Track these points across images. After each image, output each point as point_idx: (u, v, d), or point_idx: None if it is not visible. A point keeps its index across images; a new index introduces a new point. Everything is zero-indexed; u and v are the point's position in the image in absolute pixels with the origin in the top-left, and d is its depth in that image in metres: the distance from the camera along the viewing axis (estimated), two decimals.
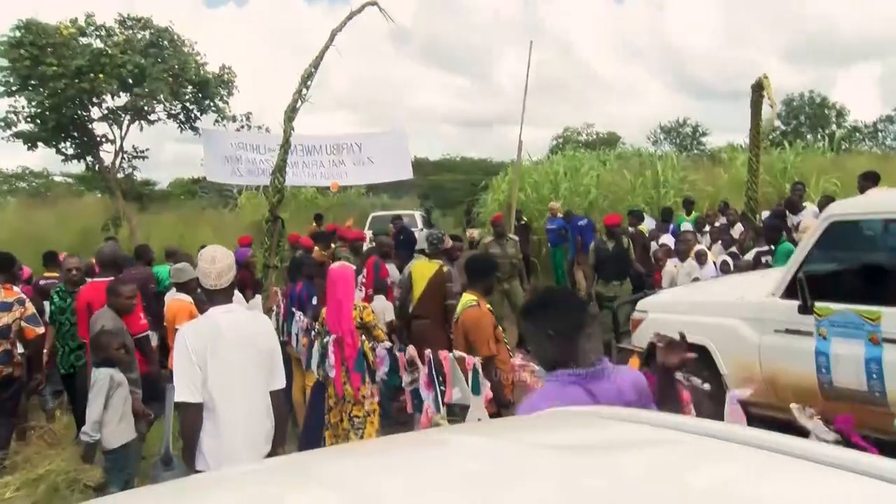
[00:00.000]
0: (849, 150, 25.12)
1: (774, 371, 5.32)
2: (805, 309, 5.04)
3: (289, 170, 8.18)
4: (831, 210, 5.38)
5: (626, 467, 1.17)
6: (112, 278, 5.54)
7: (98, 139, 15.83)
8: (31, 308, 5.78)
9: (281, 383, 3.57)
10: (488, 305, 4.61)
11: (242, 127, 16.90)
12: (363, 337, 5.06)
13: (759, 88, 7.43)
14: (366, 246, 9.98)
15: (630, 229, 10.55)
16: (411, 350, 4.43)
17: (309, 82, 7.07)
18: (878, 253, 5.33)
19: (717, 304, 5.94)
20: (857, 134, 36.06)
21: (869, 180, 7.87)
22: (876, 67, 74.24)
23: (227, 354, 3.34)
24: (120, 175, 16.38)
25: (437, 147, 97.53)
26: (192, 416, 3.31)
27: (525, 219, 15.42)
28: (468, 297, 4.61)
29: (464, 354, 3.91)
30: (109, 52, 14.49)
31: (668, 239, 10.08)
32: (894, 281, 4.76)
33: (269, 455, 3.44)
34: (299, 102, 7.08)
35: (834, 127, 36.90)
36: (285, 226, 10.88)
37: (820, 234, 5.17)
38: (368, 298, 7.13)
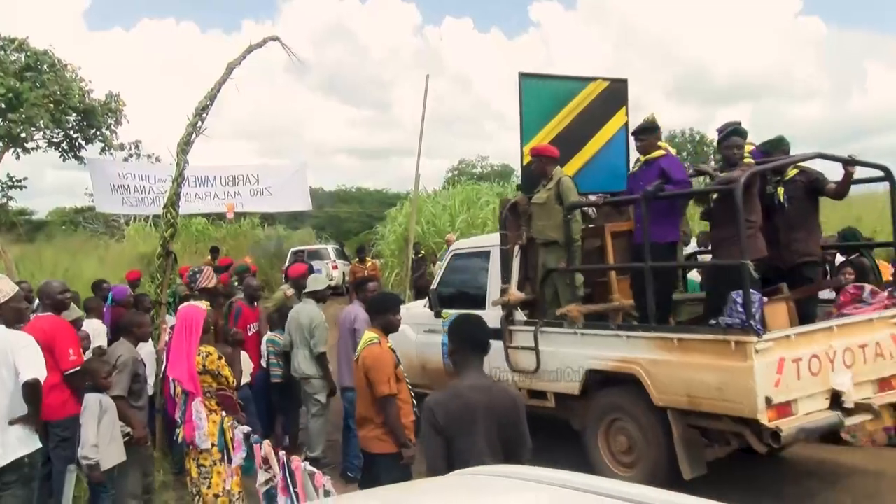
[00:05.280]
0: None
1: (423, 359, 7.51)
2: (437, 314, 7.19)
3: (181, 200, 7.90)
4: (454, 245, 8.26)
5: None
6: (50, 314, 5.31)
7: None
8: None
9: (27, 375, 4.22)
10: (390, 344, 4.59)
11: (131, 156, 16.26)
12: (223, 413, 4.94)
13: None
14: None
15: None
16: (266, 447, 4.22)
17: (204, 114, 6.83)
18: (471, 273, 7.49)
19: None
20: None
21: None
22: (748, 108, 79.90)
23: None
24: None
25: (333, 177, 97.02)
26: None
27: (422, 252, 15.50)
28: (370, 335, 4.56)
29: (315, 470, 3.72)
30: None
31: None
32: (476, 292, 7.10)
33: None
34: (194, 135, 6.86)
35: (712, 162, 39.11)
36: (177, 260, 10.49)
37: (447, 261, 7.88)
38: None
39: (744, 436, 4.98)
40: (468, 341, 3.13)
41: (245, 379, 6.84)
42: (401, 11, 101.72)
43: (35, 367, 4.43)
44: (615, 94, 7.00)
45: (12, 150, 15.04)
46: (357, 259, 14.59)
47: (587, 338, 5.85)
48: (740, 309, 4.86)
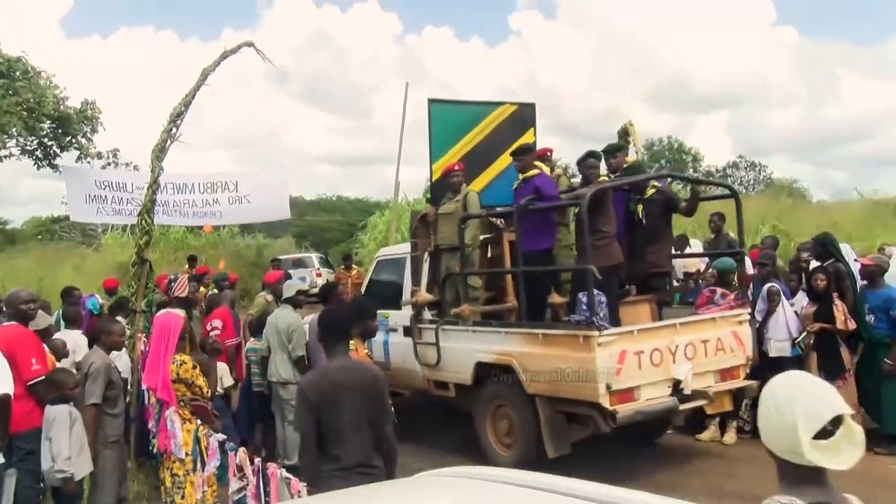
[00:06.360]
0: (704, 192, 26.91)
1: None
2: None
3: (158, 208, 7.78)
4: (378, 253, 9.12)
5: None
6: (14, 323, 5.06)
7: None
8: None
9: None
10: (366, 350, 4.58)
11: (109, 164, 16.10)
12: (199, 421, 4.89)
13: (625, 134, 7.78)
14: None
15: None
16: (242, 454, 4.21)
17: (179, 121, 6.76)
18: (391, 277, 8.21)
19: None
20: (711, 178, 38.74)
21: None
22: (725, 115, 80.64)
23: None
24: None
25: (314, 186, 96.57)
26: None
27: None
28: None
29: (291, 477, 3.72)
30: None
31: None
32: (395, 294, 7.82)
33: None
34: (168, 141, 6.79)
35: (691, 170, 39.55)
36: (153, 268, 10.38)
37: (374, 267, 8.68)
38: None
39: (594, 418, 5.63)
40: (333, 330, 3.54)
41: (218, 391, 6.77)
42: (381, 20, 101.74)
43: (3, 381, 4.32)
44: (523, 117, 7.87)
45: None
46: (343, 266, 14.61)
47: (477, 334, 6.62)
48: (584, 307, 5.59)
